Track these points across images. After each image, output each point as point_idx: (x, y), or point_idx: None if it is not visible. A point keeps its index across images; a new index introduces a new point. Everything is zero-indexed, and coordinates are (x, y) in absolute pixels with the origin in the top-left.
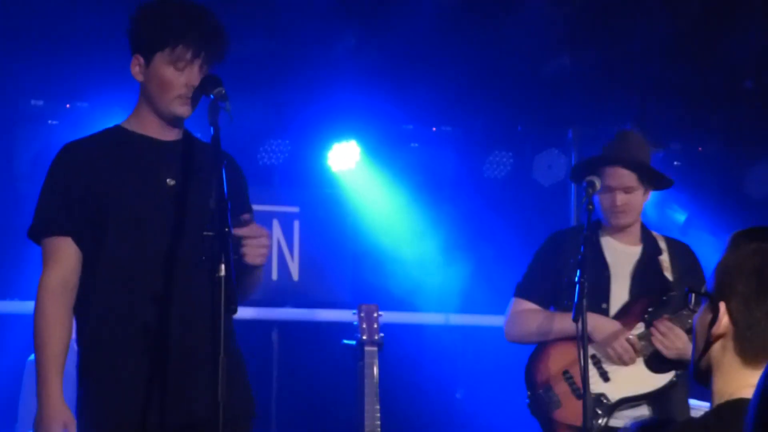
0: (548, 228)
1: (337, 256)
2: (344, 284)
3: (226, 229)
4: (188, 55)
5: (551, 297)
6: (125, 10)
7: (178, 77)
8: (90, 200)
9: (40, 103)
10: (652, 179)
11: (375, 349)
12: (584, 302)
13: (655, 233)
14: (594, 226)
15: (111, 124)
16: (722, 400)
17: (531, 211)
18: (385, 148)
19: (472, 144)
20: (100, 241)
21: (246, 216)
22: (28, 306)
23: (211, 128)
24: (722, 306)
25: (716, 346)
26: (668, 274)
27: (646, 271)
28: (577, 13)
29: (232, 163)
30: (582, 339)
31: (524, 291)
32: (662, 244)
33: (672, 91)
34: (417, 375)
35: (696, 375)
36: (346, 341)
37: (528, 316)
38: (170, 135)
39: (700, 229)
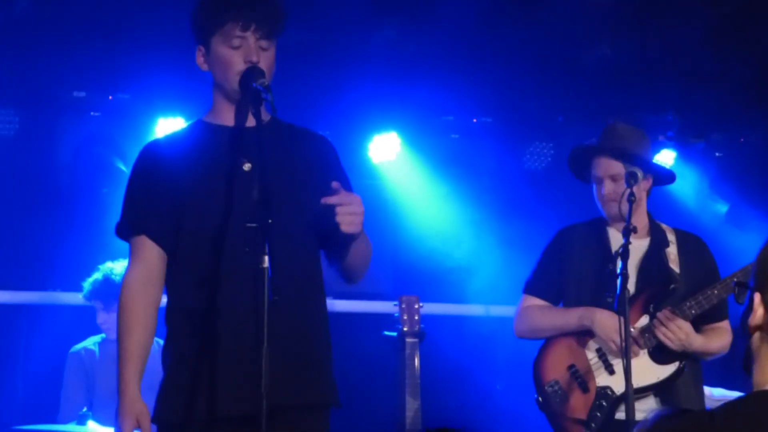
0: (589, 218)
1: (378, 247)
2: (385, 275)
3: (269, 221)
4: (238, 30)
5: (558, 293)
6: (166, 2)
7: (235, 54)
8: (169, 196)
9: (83, 94)
10: (642, 168)
11: (416, 340)
12: (626, 294)
13: (664, 225)
14: (601, 222)
15: (156, 116)
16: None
17: (572, 202)
18: (426, 139)
19: (512, 135)
20: (179, 234)
21: (335, 184)
22: (67, 297)
23: (255, 120)
24: (757, 297)
25: (755, 338)
26: (674, 266)
27: (651, 264)
28: (617, 3)
29: (321, 141)
30: (625, 333)
31: (532, 287)
32: (671, 237)
33: (713, 82)
34: (458, 366)
35: (744, 367)
36: (387, 332)
37: (535, 312)
38: (249, 121)
39: (742, 220)
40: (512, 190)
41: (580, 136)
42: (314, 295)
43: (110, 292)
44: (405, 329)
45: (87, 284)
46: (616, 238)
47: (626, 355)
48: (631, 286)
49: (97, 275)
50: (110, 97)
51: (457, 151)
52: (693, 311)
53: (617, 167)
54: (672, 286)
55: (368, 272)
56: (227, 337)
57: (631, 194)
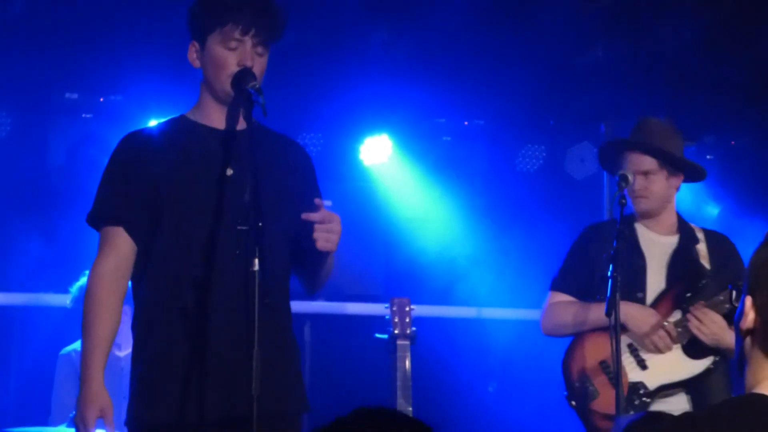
0: (581, 221)
1: (370, 249)
2: (377, 278)
3: (260, 224)
4: (237, 33)
5: (586, 289)
6: (159, 4)
7: (230, 56)
8: (147, 189)
9: (75, 96)
10: (674, 164)
11: (407, 342)
12: (617, 296)
13: (692, 224)
14: (630, 219)
15: (148, 118)
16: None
17: (564, 205)
18: (418, 141)
19: (504, 137)
20: (154, 230)
21: (318, 200)
22: (58, 299)
23: (246, 123)
24: (748, 300)
25: (747, 341)
26: (705, 263)
27: (682, 260)
28: (609, 5)
29: (299, 150)
30: (615, 332)
31: (559, 284)
32: (699, 234)
33: (705, 84)
34: (449, 368)
35: (736, 368)
36: (378, 335)
37: (563, 308)
38: (236, 125)
39: (733, 223)
40: (504, 193)
41: (572, 138)
42: (286, 299)
43: None
44: (396, 332)
45: (74, 289)
46: (644, 234)
47: (617, 362)
48: (662, 282)
49: (84, 280)
50: (102, 99)
51: (449, 154)
52: (726, 305)
53: (649, 163)
54: (703, 281)
55: (360, 274)
56: (215, 340)
57: (622, 197)
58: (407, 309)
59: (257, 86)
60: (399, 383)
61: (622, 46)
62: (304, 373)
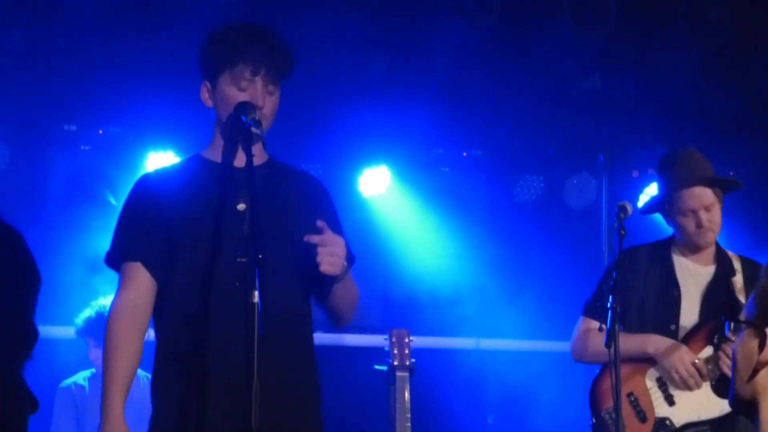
0: (579, 252)
1: (369, 281)
2: (376, 309)
3: (260, 256)
4: (247, 74)
5: (619, 316)
6: (158, 38)
7: (241, 96)
8: (162, 228)
9: (73, 128)
10: (725, 189)
11: (406, 374)
12: (616, 328)
13: (730, 253)
14: (665, 245)
15: (147, 150)
16: None
17: (562, 235)
18: (416, 172)
19: (502, 168)
20: (171, 267)
21: (320, 222)
22: (57, 331)
23: (245, 154)
24: None
25: (763, 373)
26: (741, 297)
27: (717, 293)
28: (607, 37)
29: (314, 184)
30: (614, 365)
31: (591, 310)
32: (737, 264)
33: (703, 114)
34: (448, 400)
35: (737, 404)
36: (377, 366)
37: (594, 336)
38: (244, 160)
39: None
40: (502, 223)
41: (570, 168)
42: (303, 333)
43: (103, 328)
44: (395, 363)
45: (79, 320)
46: (680, 263)
47: (617, 391)
48: (695, 315)
49: (89, 312)
50: (101, 131)
51: (448, 184)
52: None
53: (710, 195)
54: (738, 317)
55: (358, 305)
56: (216, 372)
57: (621, 228)
58: (406, 340)
59: (256, 117)
60: (398, 414)
61: (620, 76)
62: None
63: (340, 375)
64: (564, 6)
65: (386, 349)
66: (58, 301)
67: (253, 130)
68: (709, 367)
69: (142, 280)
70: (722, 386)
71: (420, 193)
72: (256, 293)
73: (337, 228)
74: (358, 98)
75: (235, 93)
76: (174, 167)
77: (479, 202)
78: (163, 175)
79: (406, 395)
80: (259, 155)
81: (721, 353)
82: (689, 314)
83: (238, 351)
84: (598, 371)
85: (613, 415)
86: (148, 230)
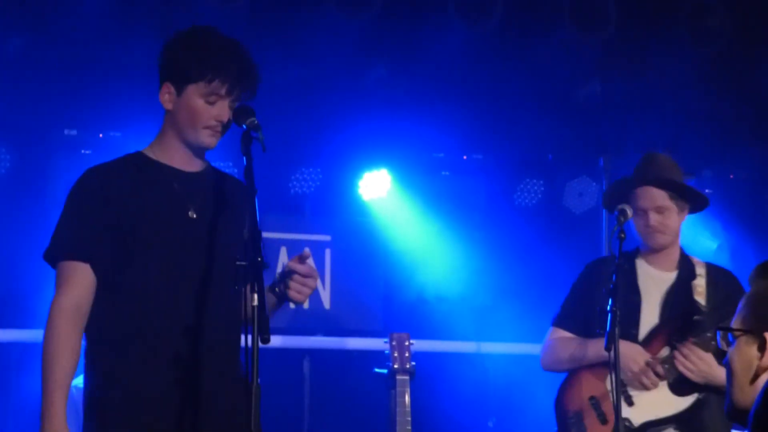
0: (580, 256)
1: (369, 284)
2: (376, 312)
3: (259, 259)
4: (222, 91)
5: (585, 325)
6: (157, 41)
7: (209, 110)
8: (110, 226)
9: (74, 132)
10: (685, 197)
11: (407, 377)
12: (616, 331)
13: (695, 259)
14: (631, 254)
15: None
16: None
17: (562, 239)
18: (416, 176)
19: (503, 172)
20: (119, 267)
21: (307, 251)
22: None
23: (244, 158)
24: None
25: (761, 380)
26: (700, 299)
27: (677, 296)
28: (607, 41)
29: (238, 185)
30: (615, 367)
31: (560, 320)
32: (700, 270)
33: (703, 118)
34: (449, 403)
35: (734, 414)
36: (377, 370)
37: (562, 344)
38: (194, 166)
39: (732, 256)
40: (503, 227)
41: (570, 172)
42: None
43: None
44: (396, 366)
45: None
46: (644, 270)
47: (616, 391)
48: (655, 318)
49: None
50: (101, 135)
51: (448, 188)
52: (714, 342)
53: (662, 198)
54: (696, 317)
55: (359, 309)
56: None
57: (621, 231)
58: (406, 344)
59: (255, 122)
60: (398, 418)
61: (619, 80)
62: (304, 408)
63: (340, 378)
64: (564, 10)
65: (387, 352)
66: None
67: (253, 135)
68: (666, 366)
69: (84, 281)
70: (679, 385)
71: (420, 197)
72: (256, 296)
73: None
74: (359, 102)
75: (203, 105)
76: (118, 163)
77: (480, 205)
78: (109, 172)
79: (407, 399)
80: (202, 162)
81: (676, 353)
82: (649, 318)
83: (221, 355)
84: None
85: (574, 420)
86: (93, 227)
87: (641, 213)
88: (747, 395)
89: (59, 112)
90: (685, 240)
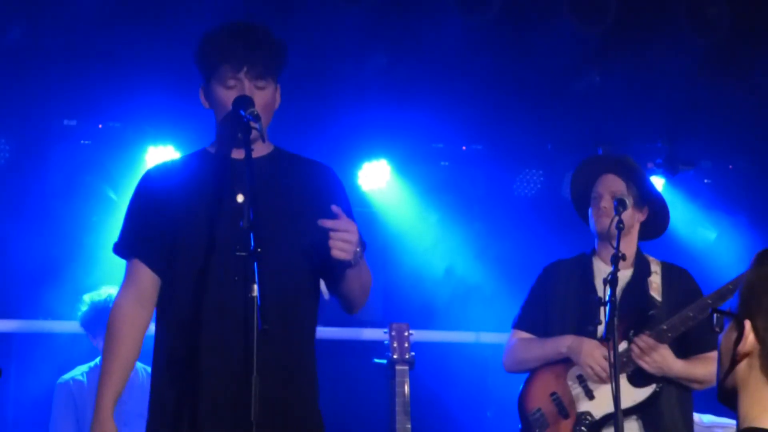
0: (578, 246)
1: None
2: (375, 303)
3: (258, 250)
4: (230, 72)
5: (545, 327)
6: (157, 32)
7: (230, 95)
8: (162, 224)
9: (73, 123)
10: (642, 195)
11: (406, 368)
12: (615, 320)
13: (651, 258)
14: (587, 255)
15: (147, 145)
16: (746, 425)
17: (561, 229)
18: (416, 166)
19: (502, 162)
20: (171, 261)
21: (335, 208)
22: (56, 326)
23: (244, 148)
24: (747, 323)
25: (742, 365)
26: (655, 294)
27: (633, 292)
28: (606, 32)
29: (323, 171)
30: (614, 352)
31: (520, 322)
32: (655, 267)
33: (702, 109)
34: (448, 393)
35: (721, 396)
36: (377, 360)
37: (519, 345)
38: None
39: (730, 247)
40: (502, 217)
41: (570, 163)
42: (303, 326)
43: (96, 319)
44: (395, 357)
45: (78, 314)
46: (600, 269)
47: (615, 379)
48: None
49: (83, 306)
50: (101, 126)
51: (447, 179)
52: (670, 334)
53: (619, 185)
54: (651, 312)
55: None
56: (216, 366)
57: (620, 221)
58: (406, 334)
59: (255, 112)
60: (398, 408)
61: (618, 71)
62: None
63: (339, 369)
64: (563, 1)
65: (386, 342)
66: (58, 296)
67: (252, 124)
68: (624, 359)
69: (144, 276)
70: (638, 377)
71: (420, 187)
72: (255, 287)
73: (348, 214)
74: (358, 92)
75: (224, 92)
76: (179, 161)
77: (479, 196)
78: (166, 170)
79: (406, 389)
80: (262, 147)
81: (633, 345)
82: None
83: (236, 344)
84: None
85: (537, 416)
86: (147, 227)
87: (597, 199)
88: (729, 380)
89: (58, 103)
90: (684, 231)
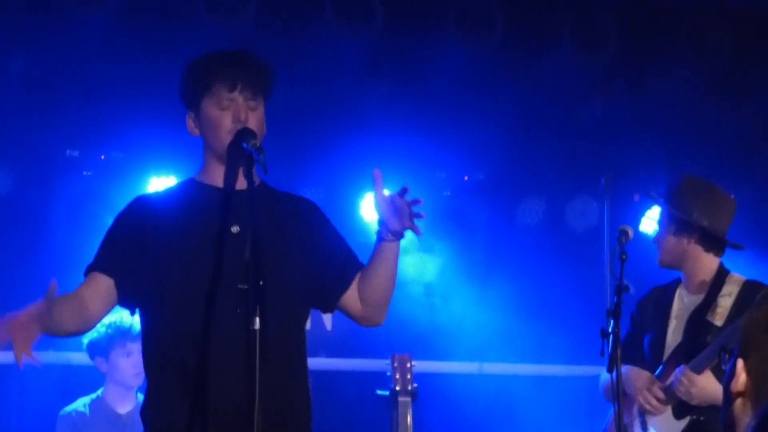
0: (582, 275)
1: None
2: (377, 333)
3: (261, 282)
4: (225, 91)
5: (641, 357)
6: (160, 62)
7: (224, 115)
8: (150, 252)
9: (76, 153)
10: (679, 225)
11: (408, 399)
12: (618, 353)
13: (734, 277)
14: (672, 283)
15: (149, 175)
16: None
17: (564, 259)
18: (418, 196)
19: (504, 191)
20: (157, 293)
21: (407, 187)
22: (58, 357)
23: (246, 180)
24: (740, 363)
25: (737, 404)
26: (717, 319)
27: (692, 320)
28: (609, 60)
29: (303, 203)
30: (617, 388)
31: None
32: (730, 288)
33: (704, 138)
34: (451, 425)
35: (725, 428)
36: (379, 391)
37: (604, 375)
38: (240, 184)
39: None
40: (505, 247)
41: (572, 192)
42: (298, 357)
43: (100, 345)
44: (398, 388)
45: (84, 344)
46: (679, 297)
47: (619, 415)
48: (676, 342)
49: (85, 338)
50: (103, 156)
51: (449, 208)
52: (705, 363)
53: (656, 213)
54: (708, 338)
55: (361, 330)
56: (217, 397)
57: (622, 252)
58: (408, 365)
59: (257, 144)
60: None
61: (621, 100)
62: None
63: (342, 400)
64: (565, 31)
65: (388, 374)
66: None
67: (255, 158)
68: (669, 391)
69: (100, 285)
70: (679, 408)
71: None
72: (257, 320)
73: (340, 243)
74: (360, 122)
75: (217, 113)
76: (169, 190)
77: (481, 225)
78: (158, 198)
79: (409, 420)
80: (250, 180)
81: (675, 378)
82: (673, 342)
83: (238, 377)
84: None
85: None
86: (131, 253)
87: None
88: (728, 418)
89: (61, 133)
90: None
